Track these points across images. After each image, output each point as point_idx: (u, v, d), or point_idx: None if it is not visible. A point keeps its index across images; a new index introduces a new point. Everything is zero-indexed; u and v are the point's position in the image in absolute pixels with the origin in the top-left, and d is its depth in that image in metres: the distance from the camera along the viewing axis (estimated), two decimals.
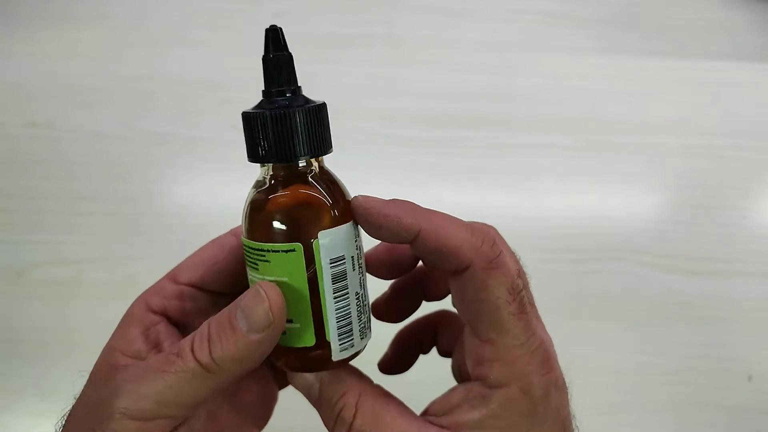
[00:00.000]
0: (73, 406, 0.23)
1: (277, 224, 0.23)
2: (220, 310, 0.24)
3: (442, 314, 0.32)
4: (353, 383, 0.25)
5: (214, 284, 0.26)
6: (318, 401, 0.26)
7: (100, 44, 0.66)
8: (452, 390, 0.25)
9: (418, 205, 0.24)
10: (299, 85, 0.25)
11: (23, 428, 0.44)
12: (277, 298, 0.22)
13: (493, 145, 0.60)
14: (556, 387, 0.24)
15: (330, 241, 0.23)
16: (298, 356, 0.25)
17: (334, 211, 0.23)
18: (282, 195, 0.24)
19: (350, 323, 0.24)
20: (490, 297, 0.23)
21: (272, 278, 0.23)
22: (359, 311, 0.24)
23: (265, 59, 0.24)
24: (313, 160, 0.24)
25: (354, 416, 0.24)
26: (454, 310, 0.28)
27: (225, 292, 0.27)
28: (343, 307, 0.24)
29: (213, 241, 0.27)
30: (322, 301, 0.23)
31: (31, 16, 0.69)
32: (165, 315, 0.26)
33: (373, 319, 0.27)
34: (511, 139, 0.61)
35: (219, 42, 0.67)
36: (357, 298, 0.24)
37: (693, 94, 0.65)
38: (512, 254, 0.25)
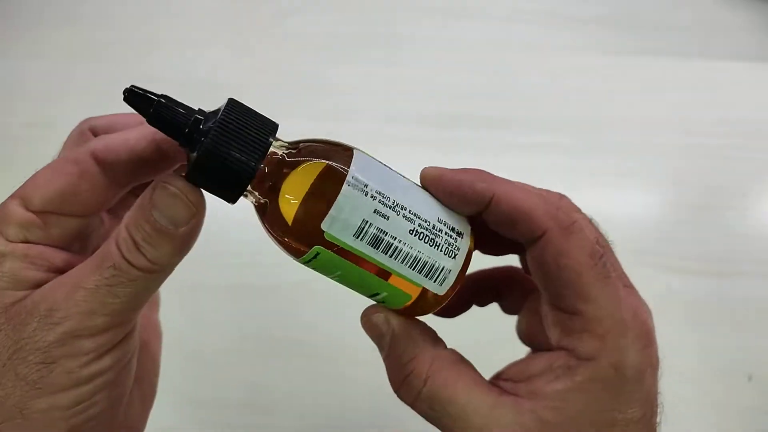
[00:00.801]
0: None
1: (287, 242, 0.22)
2: (89, 229, 0.25)
3: (510, 271, 0.30)
4: (426, 347, 0.24)
5: (76, 211, 0.23)
6: (386, 356, 0.24)
7: (100, 44, 0.66)
8: (532, 357, 0.24)
9: (489, 172, 0.24)
10: (194, 108, 0.22)
11: None
12: (187, 187, 0.21)
13: (493, 145, 0.60)
14: (651, 366, 0.22)
15: (339, 224, 0.21)
16: (410, 310, 0.24)
17: (326, 188, 0.21)
18: (268, 217, 0.22)
19: (425, 258, 0.22)
20: (570, 263, 0.21)
21: (332, 276, 0.23)
22: (427, 239, 0.22)
23: (147, 120, 0.21)
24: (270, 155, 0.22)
25: (424, 383, 0.23)
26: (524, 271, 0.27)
27: (89, 214, 0.24)
28: (406, 255, 0.22)
29: (66, 160, 0.23)
30: (383, 267, 0.22)
31: (31, 16, 0.69)
32: (28, 243, 0.23)
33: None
34: (512, 139, 0.61)
35: (219, 42, 0.67)
36: (416, 234, 0.22)
37: (693, 94, 0.65)
38: (589, 221, 0.23)
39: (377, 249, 0.22)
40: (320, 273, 0.23)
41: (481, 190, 0.23)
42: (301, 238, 0.22)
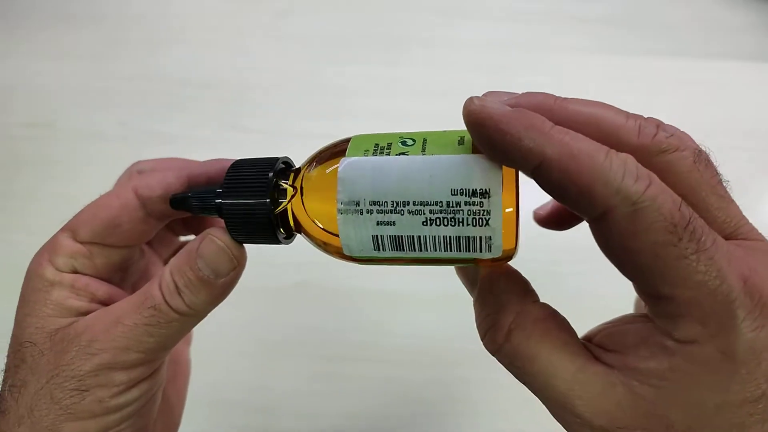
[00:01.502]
0: (10, 380, 0.23)
1: (340, 258, 0.23)
2: (129, 262, 0.27)
3: None
4: (511, 300, 0.21)
5: (118, 241, 0.26)
6: (474, 304, 0.23)
7: (100, 44, 0.66)
8: (625, 325, 0.21)
9: (545, 121, 0.19)
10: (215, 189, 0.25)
11: None
12: (231, 242, 0.24)
13: None
14: (758, 351, 0.18)
15: (355, 247, 0.21)
16: (497, 263, 0.22)
17: (326, 214, 0.21)
18: (312, 240, 0.23)
19: (456, 240, 0.20)
20: (643, 246, 0.17)
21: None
22: (445, 221, 0.20)
23: (196, 213, 0.25)
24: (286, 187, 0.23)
25: (505, 338, 0.21)
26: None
27: (130, 245, 0.27)
28: (433, 245, 0.20)
29: (110, 195, 0.26)
30: (421, 259, 0.21)
31: (30, 16, 0.69)
32: (77, 274, 0.25)
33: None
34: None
35: (219, 42, 0.67)
36: (429, 223, 0.20)
37: (693, 94, 0.65)
38: (700, 158, 0.19)
39: (404, 250, 0.21)
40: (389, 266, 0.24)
41: (528, 150, 0.18)
42: (342, 258, 0.23)
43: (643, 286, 0.19)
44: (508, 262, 0.22)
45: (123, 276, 0.28)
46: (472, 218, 0.20)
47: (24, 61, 0.65)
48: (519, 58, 0.67)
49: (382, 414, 0.47)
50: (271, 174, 0.23)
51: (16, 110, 0.62)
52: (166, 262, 0.32)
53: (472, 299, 0.23)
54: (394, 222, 0.20)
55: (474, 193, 0.20)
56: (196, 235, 0.32)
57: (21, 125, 0.60)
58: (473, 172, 0.20)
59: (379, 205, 0.20)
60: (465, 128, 0.21)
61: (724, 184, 0.19)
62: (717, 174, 0.19)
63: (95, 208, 0.26)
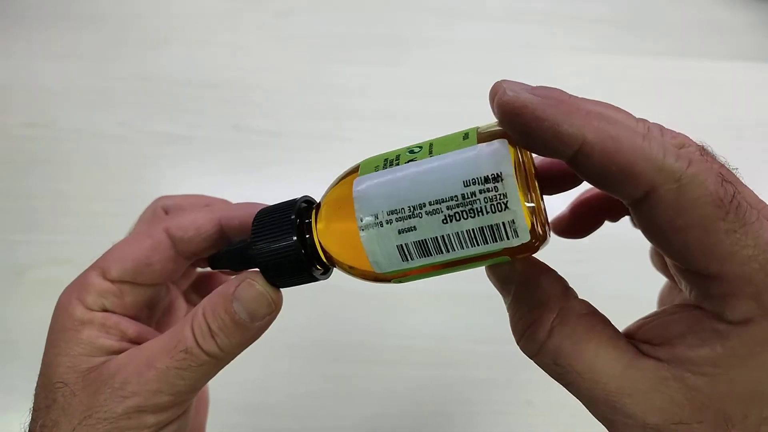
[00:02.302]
0: (42, 420, 0.23)
1: (365, 280, 0.23)
2: (156, 299, 0.28)
3: None
4: (554, 295, 0.21)
5: (148, 280, 0.27)
6: (510, 303, 0.22)
7: (100, 44, 0.66)
8: (668, 316, 0.20)
9: (581, 104, 0.19)
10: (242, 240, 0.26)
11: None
12: (273, 288, 0.24)
13: None
14: None
15: (384, 263, 0.21)
16: (521, 255, 0.21)
17: (351, 238, 0.22)
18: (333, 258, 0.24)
19: (480, 232, 0.20)
20: (691, 221, 0.17)
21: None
22: (466, 215, 0.20)
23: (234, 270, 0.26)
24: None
25: (548, 335, 0.20)
26: None
27: (159, 284, 0.27)
28: (458, 241, 0.20)
29: (142, 234, 0.27)
30: (446, 262, 0.21)
31: (30, 16, 0.69)
32: (105, 312, 0.26)
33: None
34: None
35: (219, 42, 0.67)
36: (448, 220, 0.20)
37: (693, 94, 0.65)
38: (704, 153, 0.19)
39: (431, 255, 0.21)
40: (422, 280, 0.23)
41: (568, 136, 0.17)
42: (376, 279, 0.23)
43: (691, 265, 0.18)
44: (541, 259, 0.22)
45: (150, 313, 0.29)
46: (490, 205, 0.19)
47: (24, 61, 0.65)
48: (519, 58, 0.67)
49: (382, 414, 0.47)
50: (293, 216, 0.23)
51: (16, 110, 0.62)
52: (185, 295, 0.33)
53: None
54: (414, 227, 0.20)
55: (486, 180, 0.19)
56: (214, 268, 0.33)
57: (21, 125, 0.60)
58: (481, 159, 0.20)
59: (397, 213, 0.20)
60: (467, 128, 0.22)
61: (733, 172, 0.19)
62: (724, 165, 0.19)
63: (126, 247, 0.26)
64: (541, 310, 0.20)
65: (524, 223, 0.19)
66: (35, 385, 0.25)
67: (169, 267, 0.27)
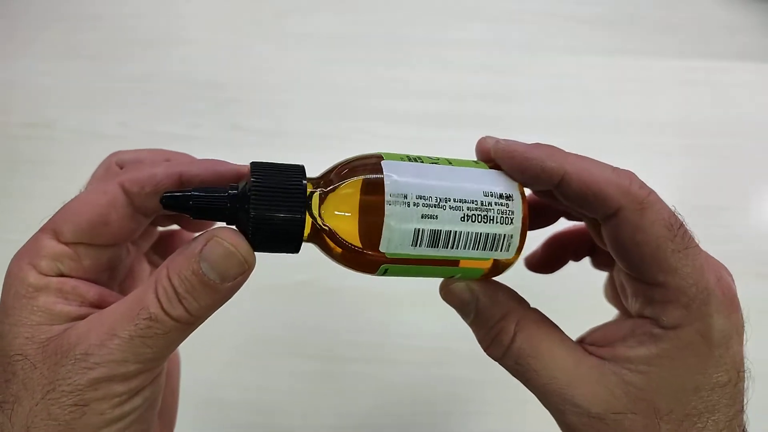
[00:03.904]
0: (1, 396, 0.21)
1: (355, 267, 0.23)
2: (116, 260, 0.25)
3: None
4: (512, 307, 0.24)
5: (106, 240, 0.24)
6: (473, 321, 0.25)
7: (100, 44, 0.66)
8: (615, 322, 0.24)
9: (561, 149, 0.23)
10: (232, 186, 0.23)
11: None
12: (243, 243, 0.22)
13: None
14: (737, 332, 0.23)
15: (395, 242, 0.22)
16: (486, 276, 0.25)
17: (371, 211, 0.22)
18: (329, 249, 0.23)
19: (485, 235, 0.23)
20: (648, 238, 0.21)
21: (410, 276, 0.24)
22: (479, 218, 0.22)
23: (194, 216, 0.22)
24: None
25: (512, 340, 0.24)
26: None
27: (118, 243, 0.25)
28: (466, 240, 0.23)
29: (95, 191, 0.24)
30: (446, 258, 0.23)
31: (31, 16, 0.69)
32: (62, 277, 0.23)
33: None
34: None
35: (219, 42, 0.67)
36: (468, 219, 0.22)
37: (693, 94, 0.65)
38: (659, 196, 0.23)
39: (437, 247, 0.22)
40: (397, 277, 0.24)
41: (551, 169, 0.22)
42: (366, 262, 0.22)
43: (643, 274, 0.22)
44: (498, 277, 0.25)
45: (111, 275, 0.27)
46: (501, 216, 0.23)
47: (24, 61, 0.65)
48: (519, 58, 0.67)
49: (381, 414, 0.47)
50: (304, 182, 0.22)
51: (16, 110, 0.62)
52: (147, 257, 0.31)
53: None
54: (437, 216, 0.22)
55: (501, 196, 0.23)
56: (179, 226, 0.30)
57: (21, 125, 0.60)
58: (498, 180, 0.24)
59: (425, 200, 0.22)
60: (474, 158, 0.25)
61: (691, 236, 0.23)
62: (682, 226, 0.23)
63: (79, 206, 0.24)
64: (504, 321, 0.24)
65: (518, 242, 0.23)
66: None
67: (128, 225, 0.24)
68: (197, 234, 0.22)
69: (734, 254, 0.54)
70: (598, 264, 0.31)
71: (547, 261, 0.32)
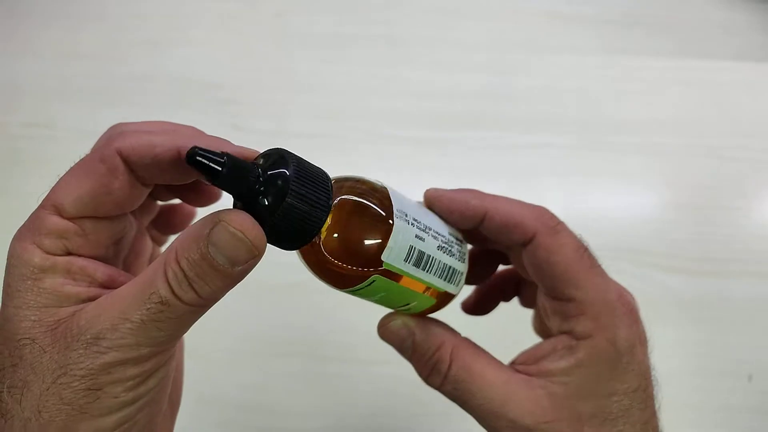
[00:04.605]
0: (8, 381, 0.21)
1: (341, 276, 0.23)
2: (121, 233, 0.25)
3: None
4: (447, 337, 0.27)
5: (110, 211, 0.23)
6: (411, 355, 0.28)
7: (100, 44, 0.66)
8: (540, 343, 0.27)
9: (482, 191, 0.27)
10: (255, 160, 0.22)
11: None
12: (252, 228, 0.20)
13: (493, 145, 0.60)
14: (640, 340, 0.26)
15: (395, 253, 0.23)
16: (427, 312, 0.27)
17: (378, 223, 0.22)
18: (317, 256, 0.23)
19: (449, 267, 0.26)
20: (560, 258, 0.25)
21: (373, 298, 0.25)
22: (447, 252, 0.26)
23: (217, 183, 0.20)
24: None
25: (448, 368, 0.26)
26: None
27: (122, 214, 0.24)
28: (437, 268, 0.25)
29: (92, 160, 0.22)
30: (420, 281, 0.25)
31: (31, 16, 0.69)
32: (69, 255, 0.22)
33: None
34: (511, 139, 0.61)
35: (219, 42, 0.67)
36: (441, 249, 0.25)
37: (693, 94, 0.65)
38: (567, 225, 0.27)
39: (419, 267, 0.24)
40: (361, 297, 0.25)
41: (475, 207, 0.26)
42: (358, 272, 0.23)
43: (557, 291, 0.25)
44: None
45: (117, 250, 0.26)
46: (459, 255, 0.27)
47: (24, 61, 0.65)
48: (519, 58, 0.67)
49: (380, 414, 0.47)
50: (330, 185, 0.22)
51: (16, 110, 0.62)
52: (148, 231, 0.30)
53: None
54: (424, 239, 0.24)
55: (458, 238, 0.27)
56: (180, 200, 0.29)
57: (21, 125, 0.60)
58: (453, 227, 0.28)
59: (417, 223, 0.24)
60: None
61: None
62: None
63: (78, 176, 0.22)
64: (440, 351, 0.26)
65: (464, 279, 0.27)
66: None
67: (130, 192, 0.23)
68: (201, 211, 0.22)
69: (734, 254, 0.55)
70: (525, 302, 0.34)
71: (480, 304, 0.35)
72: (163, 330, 0.21)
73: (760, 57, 0.67)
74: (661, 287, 0.52)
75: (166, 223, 0.31)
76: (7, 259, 0.22)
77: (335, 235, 0.22)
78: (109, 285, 0.23)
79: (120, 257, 0.26)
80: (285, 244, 0.22)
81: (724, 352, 0.48)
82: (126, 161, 0.22)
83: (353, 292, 0.24)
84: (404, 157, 0.59)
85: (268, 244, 0.21)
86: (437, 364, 0.26)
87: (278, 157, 0.21)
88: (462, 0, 0.72)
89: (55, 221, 0.22)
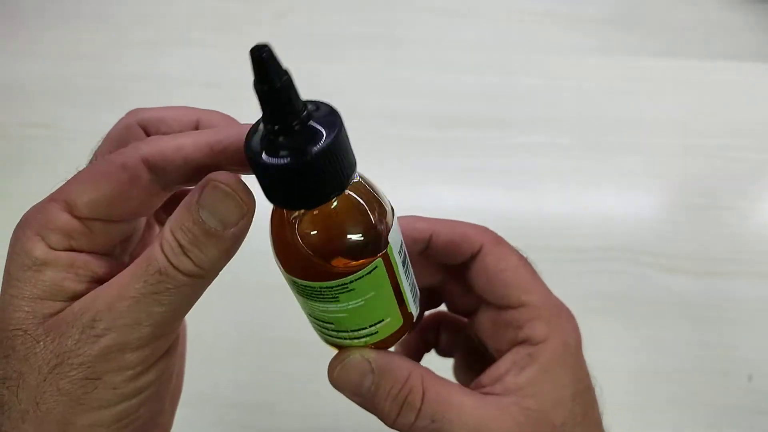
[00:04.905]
0: (2, 372, 0.20)
1: (351, 252, 0.21)
2: (131, 232, 0.24)
3: (442, 316, 0.33)
4: (413, 366, 0.24)
5: (124, 216, 0.22)
6: (374, 395, 0.24)
7: (100, 44, 0.66)
8: (495, 364, 0.26)
9: (423, 217, 0.28)
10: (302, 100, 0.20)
11: None
12: (238, 184, 0.20)
13: (493, 145, 0.60)
14: (581, 342, 0.26)
15: (396, 236, 0.22)
16: (388, 340, 0.25)
17: (383, 206, 0.22)
18: (338, 218, 0.21)
19: (414, 284, 0.25)
20: (508, 265, 0.26)
21: (357, 301, 0.22)
22: (411, 267, 0.25)
23: (266, 91, 0.19)
24: None
25: (422, 400, 0.23)
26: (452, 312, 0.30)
27: (136, 218, 0.24)
28: (411, 276, 0.25)
29: (115, 164, 0.21)
30: (400, 287, 0.23)
31: (31, 16, 0.69)
32: (72, 251, 0.21)
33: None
34: (511, 139, 0.61)
35: (219, 42, 0.67)
36: (408, 261, 0.25)
37: (693, 94, 0.65)
38: None
39: (404, 267, 0.23)
40: (347, 297, 0.22)
41: (421, 228, 0.27)
42: (368, 250, 0.21)
43: (508, 297, 0.25)
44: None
45: (123, 247, 0.25)
46: (414, 274, 0.26)
47: (25, 61, 0.65)
48: (518, 57, 0.67)
49: None
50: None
51: (16, 110, 0.62)
52: (156, 216, 0.29)
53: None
54: (400, 243, 0.24)
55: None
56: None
57: (21, 125, 0.60)
58: None
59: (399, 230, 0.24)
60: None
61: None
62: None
63: (96, 178, 0.21)
64: (410, 380, 0.24)
65: (419, 302, 0.26)
66: None
67: (150, 200, 0.22)
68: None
69: (734, 254, 0.55)
70: (443, 352, 0.33)
71: (417, 355, 0.34)
72: (163, 305, 0.20)
73: (760, 57, 0.67)
74: (661, 287, 0.51)
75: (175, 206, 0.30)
76: (10, 245, 0.21)
77: (348, 210, 0.21)
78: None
79: (128, 251, 0.26)
80: (288, 196, 0.20)
81: (724, 352, 0.48)
82: (153, 169, 0.22)
83: (349, 284, 0.22)
84: (404, 157, 0.59)
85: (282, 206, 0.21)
86: (409, 396, 0.24)
87: (329, 111, 0.21)
88: (462, 0, 0.72)
89: (65, 219, 0.21)
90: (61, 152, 0.59)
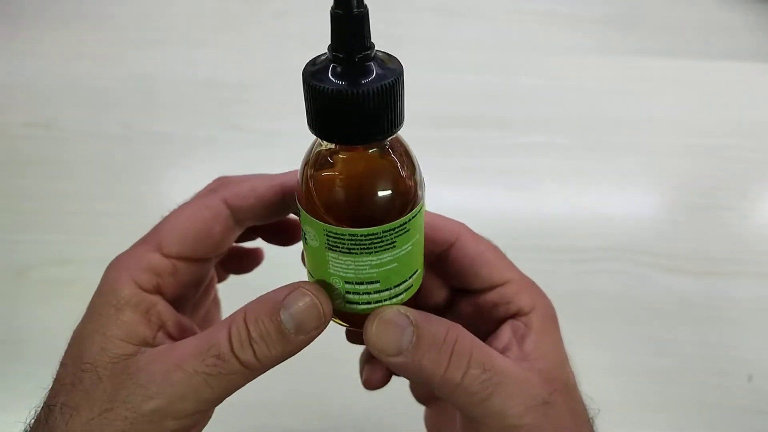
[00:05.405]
0: (64, 397, 0.22)
1: (403, 191, 0.22)
2: (204, 275, 0.26)
3: None
4: (448, 321, 0.23)
5: (206, 253, 0.25)
6: (418, 347, 0.22)
7: (100, 44, 0.66)
8: (494, 338, 0.26)
9: None
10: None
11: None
12: (324, 298, 0.22)
13: (493, 145, 0.60)
14: (555, 311, 0.27)
15: (423, 189, 0.23)
16: (415, 299, 0.25)
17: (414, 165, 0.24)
18: (396, 157, 0.22)
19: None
20: (487, 248, 0.27)
21: (407, 246, 0.22)
22: None
23: (341, 15, 0.19)
24: None
25: (471, 348, 0.22)
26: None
27: (210, 257, 0.26)
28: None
29: (197, 205, 0.25)
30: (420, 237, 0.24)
31: (32, 17, 0.69)
32: (159, 293, 0.24)
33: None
34: (511, 139, 0.61)
35: (219, 42, 0.67)
36: None
37: (693, 94, 0.65)
38: None
39: (423, 223, 0.24)
40: (403, 240, 0.22)
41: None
42: (414, 189, 0.23)
43: (492, 276, 0.26)
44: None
45: (195, 291, 0.27)
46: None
47: (24, 61, 0.65)
48: (518, 57, 0.67)
49: (384, 415, 0.47)
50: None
51: (16, 110, 0.62)
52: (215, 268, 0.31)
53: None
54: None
55: None
56: (263, 239, 0.31)
57: (21, 125, 0.60)
58: None
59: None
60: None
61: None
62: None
63: (184, 219, 0.24)
64: (453, 329, 0.23)
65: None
66: (58, 361, 0.23)
67: (227, 237, 0.25)
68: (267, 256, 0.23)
69: (734, 254, 0.55)
70: (417, 396, 0.34)
71: (384, 377, 0.35)
72: (212, 387, 0.21)
73: (760, 57, 0.68)
74: (661, 287, 0.52)
75: (233, 263, 0.32)
76: (101, 281, 0.23)
77: (403, 152, 0.23)
78: (175, 336, 0.24)
79: (195, 296, 0.28)
80: (346, 127, 0.20)
81: (724, 352, 0.48)
82: (231, 207, 0.25)
83: (407, 223, 0.21)
84: None
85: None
86: (455, 346, 0.22)
87: (394, 61, 0.21)
88: (462, 0, 0.72)
89: (155, 259, 0.23)
90: (61, 152, 0.59)
